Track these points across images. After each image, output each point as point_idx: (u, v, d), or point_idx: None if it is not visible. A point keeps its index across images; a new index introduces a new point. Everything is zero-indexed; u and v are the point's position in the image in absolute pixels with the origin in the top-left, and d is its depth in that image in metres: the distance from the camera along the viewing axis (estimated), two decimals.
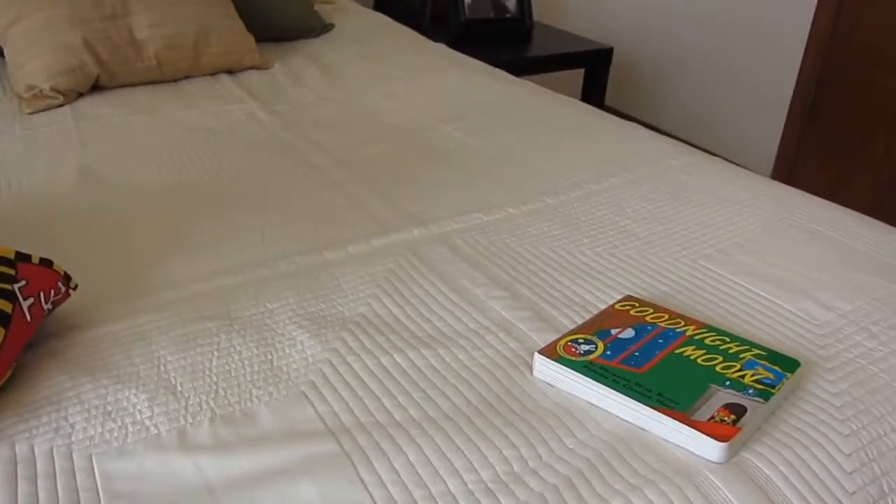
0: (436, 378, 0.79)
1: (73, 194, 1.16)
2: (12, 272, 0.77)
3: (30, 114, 1.45)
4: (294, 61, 1.80)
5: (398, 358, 0.82)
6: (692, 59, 2.78)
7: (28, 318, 0.76)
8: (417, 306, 0.92)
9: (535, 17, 2.74)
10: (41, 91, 1.46)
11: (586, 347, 0.81)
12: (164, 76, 1.61)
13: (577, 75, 2.75)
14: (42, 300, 0.79)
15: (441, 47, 2.00)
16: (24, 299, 0.77)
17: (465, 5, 2.51)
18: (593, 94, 2.56)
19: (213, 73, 1.68)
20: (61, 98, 1.47)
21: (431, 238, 1.06)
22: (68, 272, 0.85)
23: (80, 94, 1.53)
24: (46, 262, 0.81)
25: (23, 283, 0.77)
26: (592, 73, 2.56)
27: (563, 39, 2.62)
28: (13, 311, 0.75)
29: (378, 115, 1.51)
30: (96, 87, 1.55)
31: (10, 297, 0.75)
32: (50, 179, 1.20)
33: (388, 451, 0.69)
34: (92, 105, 1.50)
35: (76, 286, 0.86)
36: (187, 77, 1.65)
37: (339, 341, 0.85)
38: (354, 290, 0.94)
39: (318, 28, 1.97)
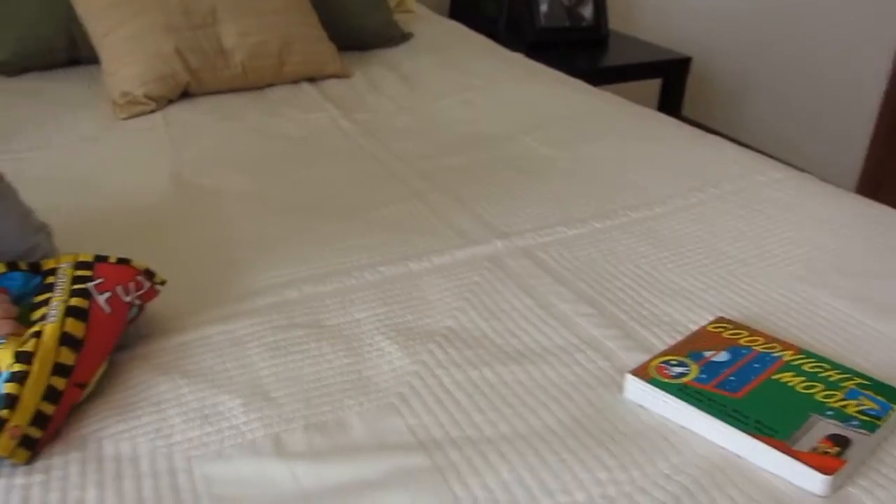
0: (525, 395, 0.79)
1: (166, 199, 1.20)
2: (89, 273, 0.81)
3: (123, 119, 1.50)
4: (373, 70, 1.82)
5: (487, 373, 0.82)
6: (773, 68, 2.71)
7: (107, 310, 0.79)
8: (504, 321, 0.91)
9: (611, 25, 2.71)
10: (134, 97, 1.51)
11: (679, 370, 0.80)
12: (248, 84, 1.65)
13: (652, 85, 2.71)
14: (121, 293, 0.81)
15: (518, 56, 1.99)
16: (100, 294, 0.79)
17: (541, 14, 2.50)
18: (670, 104, 2.51)
19: (295, 82, 1.71)
20: (153, 104, 1.52)
21: (515, 251, 1.06)
22: (152, 269, 0.88)
23: (170, 101, 1.57)
24: (124, 261, 0.85)
25: (98, 280, 0.80)
26: (669, 82, 2.52)
27: (639, 48, 2.59)
28: (90, 306, 0.78)
29: (456, 125, 1.52)
30: (185, 94, 1.60)
31: (85, 294, 0.78)
32: (143, 184, 1.24)
33: (481, 467, 0.69)
34: (181, 111, 1.54)
35: (163, 281, 0.88)
36: (270, 85, 1.69)
37: (426, 353, 0.85)
38: (440, 301, 0.94)
39: (396, 37, 1.99)
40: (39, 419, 0.71)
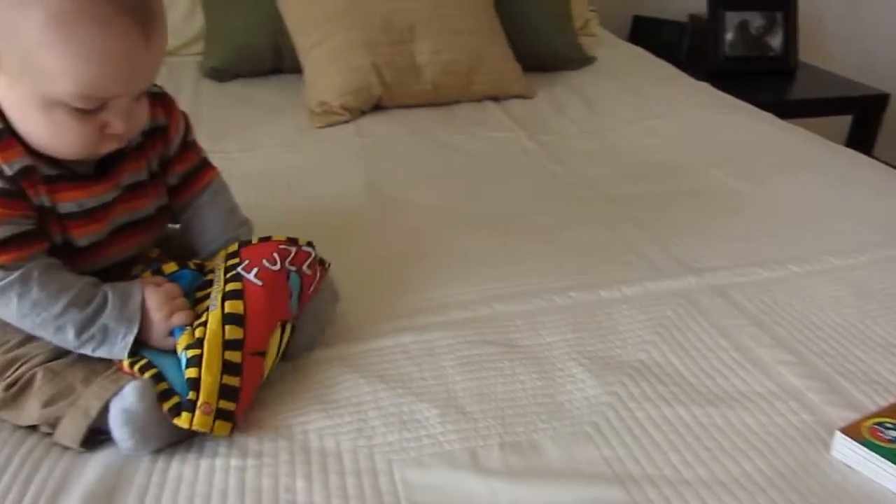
0: (723, 439, 0.77)
1: (360, 206, 1.25)
2: (236, 260, 0.85)
3: (319, 127, 1.58)
4: (556, 92, 1.82)
5: (682, 412, 0.80)
6: None
7: (259, 283, 0.82)
8: (698, 360, 0.89)
9: (800, 56, 2.59)
10: (331, 107, 1.60)
11: (895, 434, 0.75)
12: (436, 99, 1.70)
13: (841, 122, 2.56)
14: (268, 265, 0.84)
15: (702, 85, 1.94)
16: (248, 272, 0.83)
17: (726, 42, 2.43)
18: (861, 143, 2.36)
19: (479, 100, 1.75)
20: (347, 115, 1.60)
21: (708, 289, 1.03)
22: (293, 237, 0.91)
23: (363, 112, 1.65)
24: (265, 238, 0.89)
25: (244, 262, 0.84)
26: (862, 120, 2.37)
27: (830, 81, 2.45)
28: (243, 286, 0.81)
29: (641, 152, 1.50)
30: (377, 107, 1.67)
31: (236, 278, 0.83)
32: (339, 190, 1.31)
33: None
34: (373, 123, 1.61)
35: (309, 243, 0.91)
36: (457, 102, 1.73)
37: (619, 385, 0.84)
38: (631, 333, 0.93)
39: (579, 60, 1.99)
40: (227, 392, 0.75)
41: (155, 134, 0.88)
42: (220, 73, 1.83)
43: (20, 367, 0.79)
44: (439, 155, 1.46)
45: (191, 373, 0.75)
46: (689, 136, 1.58)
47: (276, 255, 0.86)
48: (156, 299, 0.80)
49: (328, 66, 1.63)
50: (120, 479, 0.72)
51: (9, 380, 0.78)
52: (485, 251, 1.11)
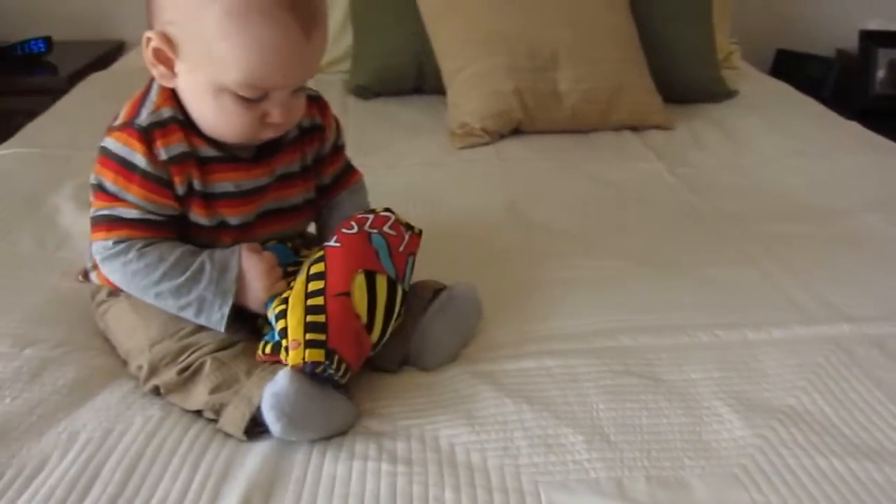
0: (882, 497, 0.74)
1: (501, 228, 1.28)
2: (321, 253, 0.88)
3: (459, 148, 1.63)
4: (696, 125, 1.80)
5: (836, 464, 0.78)
6: None
7: (338, 245, 0.87)
8: (852, 411, 0.86)
9: None
10: (472, 129, 1.64)
11: None
12: (574, 127, 1.71)
13: None
14: (344, 230, 0.89)
15: (852, 125, 1.86)
16: (329, 241, 0.89)
17: (877, 79, 2.33)
18: None
19: (617, 129, 1.75)
20: (487, 137, 1.64)
21: (863, 338, 0.99)
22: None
23: (502, 136, 1.68)
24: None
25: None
26: None
27: None
28: (324, 252, 0.86)
29: (787, 192, 1.46)
30: (515, 131, 1.70)
31: (320, 250, 0.88)
32: (480, 211, 1.34)
33: None
34: (512, 147, 1.64)
35: (387, 209, 0.95)
36: (594, 130, 1.74)
37: (768, 429, 0.82)
38: (780, 377, 0.91)
39: (721, 94, 1.95)
40: (314, 327, 0.80)
41: (312, 132, 0.96)
42: (365, 91, 1.90)
43: (192, 354, 0.85)
44: (578, 182, 1.47)
45: (279, 324, 0.81)
46: (839, 178, 1.52)
47: (353, 222, 0.91)
48: (256, 268, 0.86)
49: (472, 89, 1.67)
50: (277, 471, 0.76)
51: (181, 365, 0.85)
52: (626, 281, 1.11)
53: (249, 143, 0.88)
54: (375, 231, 0.90)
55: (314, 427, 0.79)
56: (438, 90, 1.82)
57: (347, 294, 0.83)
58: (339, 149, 1.02)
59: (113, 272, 0.86)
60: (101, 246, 0.86)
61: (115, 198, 0.85)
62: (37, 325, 0.96)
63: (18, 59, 2.14)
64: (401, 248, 0.91)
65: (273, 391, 0.77)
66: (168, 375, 0.84)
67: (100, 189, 0.86)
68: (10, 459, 0.76)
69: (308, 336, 0.79)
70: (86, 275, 0.99)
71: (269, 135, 0.87)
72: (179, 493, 0.73)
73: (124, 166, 0.84)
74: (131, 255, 0.84)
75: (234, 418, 0.80)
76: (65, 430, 0.80)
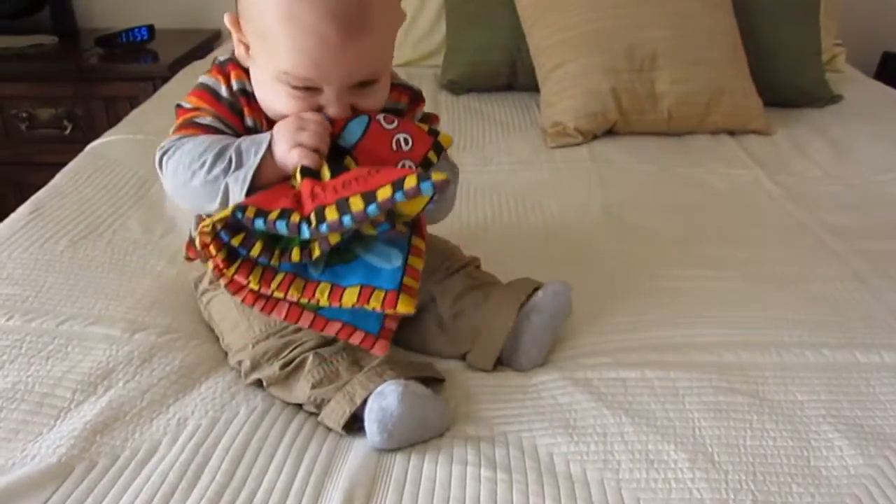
0: None
1: (597, 231, 1.26)
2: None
3: (552, 147, 1.61)
4: (797, 131, 1.73)
5: None
6: None
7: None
8: None
9: None
10: (565, 128, 1.62)
11: None
12: (670, 129, 1.68)
13: None
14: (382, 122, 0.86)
15: None
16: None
17: None
18: None
19: (714, 133, 1.70)
20: (580, 138, 1.62)
21: None
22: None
23: (595, 136, 1.65)
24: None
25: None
26: None
27: None
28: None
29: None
30: (609, 132, 1.67)
31: None
32: (576, 212, 1.32)
33: None
34: (605, 148, 1.61)
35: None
36: (690, 133, 1.69)
37: (882, 458, 0.79)
38: (893, 404, 0.87)
39: (824, 98, 1.88)
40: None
41: (394, 113, 0.92)
42: (457, 87, 1.90)
43: (293, 349, 0.87)
44: (675, 187, 1.44)
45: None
46: None
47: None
48: (287, 122, 0.84)
49: (567, 87, 1.65)
50: (378, 470, 0.77)
51: (283, 360, 0.87)
52: (727, 293, 1.08)
53: None
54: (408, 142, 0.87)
55: (410, 438, 0.80)
56: (531, 87, 1.81)
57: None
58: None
59: (170, 159, 0.85)
60: (167, 142, 0.87)
61: (193, 110, 0.89)
62: (146, 311, 1.00)
63: (122, 46, 2.21)
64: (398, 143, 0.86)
65: (381, 405, 0.78)
66: (270, 370, 0.86)
67: (179, 106, 0.91)
68: (125, 443, 0.79)
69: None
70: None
71: None
72: (284, 485, 0.75)
73: (206, 91, 0.90)
74: (184, 141, 0.85)
75: (335, 414, 0.81)
76: (174, 416, 0.83)
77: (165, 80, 1.99)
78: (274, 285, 0.82)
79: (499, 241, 1.20)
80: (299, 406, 0.86)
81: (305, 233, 0.76)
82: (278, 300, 0.83)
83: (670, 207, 1.35)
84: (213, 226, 0.78)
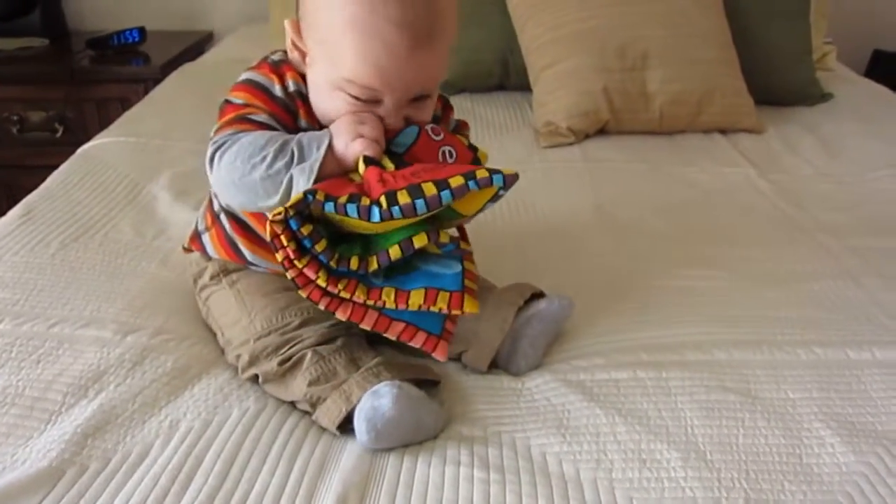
0: None
1: (589, 230, 1.26)
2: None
3: (544, 147, 1.61)
4: (788, 129, 1.74)
5: None
6: None
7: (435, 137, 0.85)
8: None
9: None
10: (557, 128, 1.62)
11: None
12: (661, 128, 1.68)
13: None
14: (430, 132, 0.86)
15: None
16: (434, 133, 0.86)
17: None
18: None
19: (706, 132, 1.70)
20: (573, 137, 1.62)
21: None
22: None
23: (587, 136, 1.66)
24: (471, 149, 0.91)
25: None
26: None
27: None
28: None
29: (890, 204, 1.39)
30: (601, 132, 1.67)
31: None
32: (567, 212, 1.32)
33: None
34: (597, 147, 1.61)
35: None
36: (682, 132, 1.70)
37: (874, 456, 0.79)
38: (885, 401, 0.88)
39: (815, 96, 1.89)
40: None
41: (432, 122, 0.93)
42: (448, 87, 1.90)
43: (293, 346, 0.87)
44: (666, 186, 1.44)
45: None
46: None
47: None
48: (345, 118, 0.83)
49: (559, 87, 1.65)
50: (372, 471, 0.77)
51: (282, 356, 0.87)
52: (719, 292, 1.08)
53: None
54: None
55: (400, 440, 0.80)
56: (523, 87, 1.80)
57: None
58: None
59: (226, 152, 0.82)
60: (220, 136, 0.84)
61: (245, 106, 0.86)
62: (137, 313, 1.00)
63: (113, 48, 2.21)
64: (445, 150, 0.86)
65: (374, 404, 0.78)
66: (269, 366, 0.86)
67: (228, 103, 0.88)
68: (116, 446, 0.79)
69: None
70: (192, 240, 1.00)
71: None
72: (277, 487, 0.75)
73: (259, 89, 0.87)
74: (240, 136, 0.83)
75: (330, 413, 0.81)
76: (166, 419, 0.83)
77: (157, 81, 1.98)
78: (341, 286, 0.81)
79: (490, 241, 1.20)
80: (292, 407, 0.86)
81: (376, 215, 0.75)
82: (343, 300, 0.83)
83: (662, 206, 1.35)
84: (285, 212, 0.77)
